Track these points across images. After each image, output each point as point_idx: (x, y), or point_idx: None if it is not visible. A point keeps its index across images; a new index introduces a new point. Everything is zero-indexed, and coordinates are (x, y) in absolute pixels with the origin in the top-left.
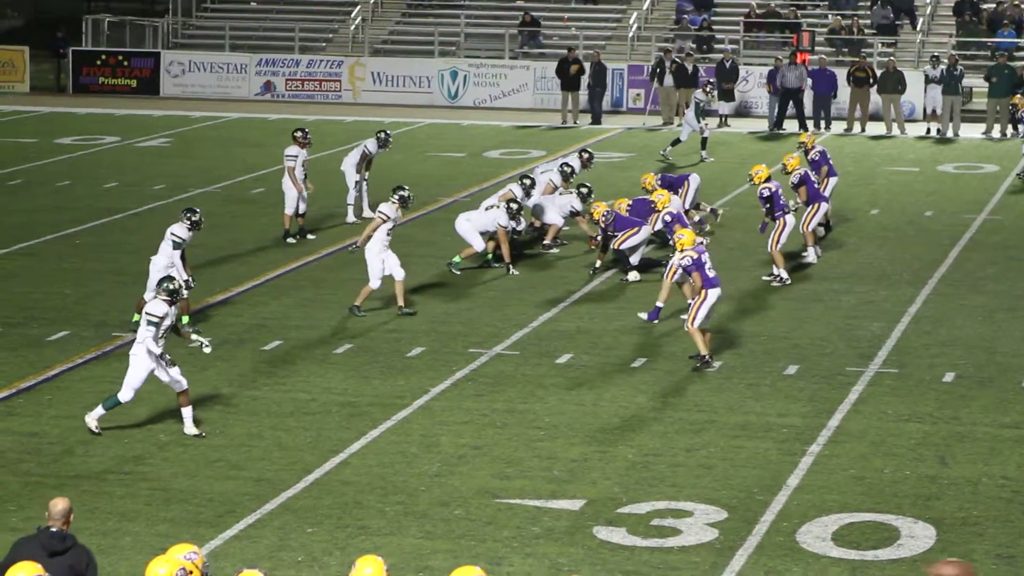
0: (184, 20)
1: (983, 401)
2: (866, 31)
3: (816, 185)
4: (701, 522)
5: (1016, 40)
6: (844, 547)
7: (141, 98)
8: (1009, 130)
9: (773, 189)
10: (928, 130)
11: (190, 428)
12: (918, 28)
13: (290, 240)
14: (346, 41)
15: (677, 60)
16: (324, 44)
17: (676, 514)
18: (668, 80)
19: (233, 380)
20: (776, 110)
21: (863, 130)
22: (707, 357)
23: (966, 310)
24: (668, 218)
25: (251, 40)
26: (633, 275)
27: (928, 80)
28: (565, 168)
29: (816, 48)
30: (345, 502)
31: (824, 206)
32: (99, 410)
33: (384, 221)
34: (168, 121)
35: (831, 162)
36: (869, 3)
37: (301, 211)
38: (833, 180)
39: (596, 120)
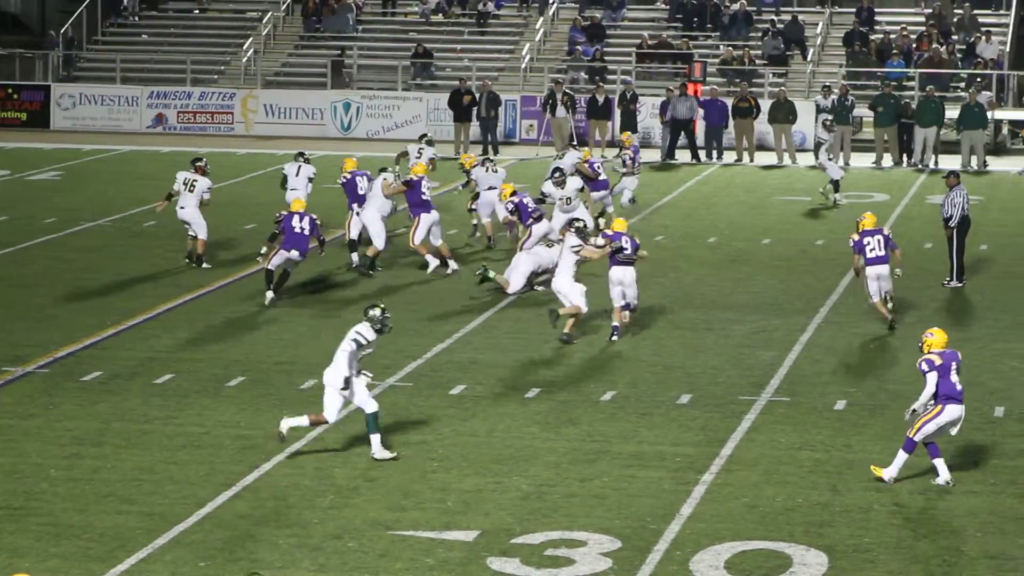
0: (75, 53)
1: (874, 428)
2: (757, 62)
3: (423, 196)
4: (595, 552)
5: (905, 70)
6: (737, 575)
7: (31, 131)
8: (906, 159)
9: (516, 201)
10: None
11: (380, 452)
12: (809, 59)
13: (205, 265)
14: (238, 73)
15: (568, 93)
16: (216, 76)
17: (570, 544)
18: (560, 111)
19: (124, 414)
20: (668, 141)
21: (751, 160)
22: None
23: (857, 338)
24: (510, 206)
25: (142, 72)
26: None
27: (819, 110)
28: (557, 176)
29: (708, 79)
30: (238, 535)
31: (427, 217)
32: (375, 439)
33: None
34: (59, 154)
35: (639, 162)
36: (760, 34)
37: (202, 236)
38: (628, 180)
39: (494, 150)
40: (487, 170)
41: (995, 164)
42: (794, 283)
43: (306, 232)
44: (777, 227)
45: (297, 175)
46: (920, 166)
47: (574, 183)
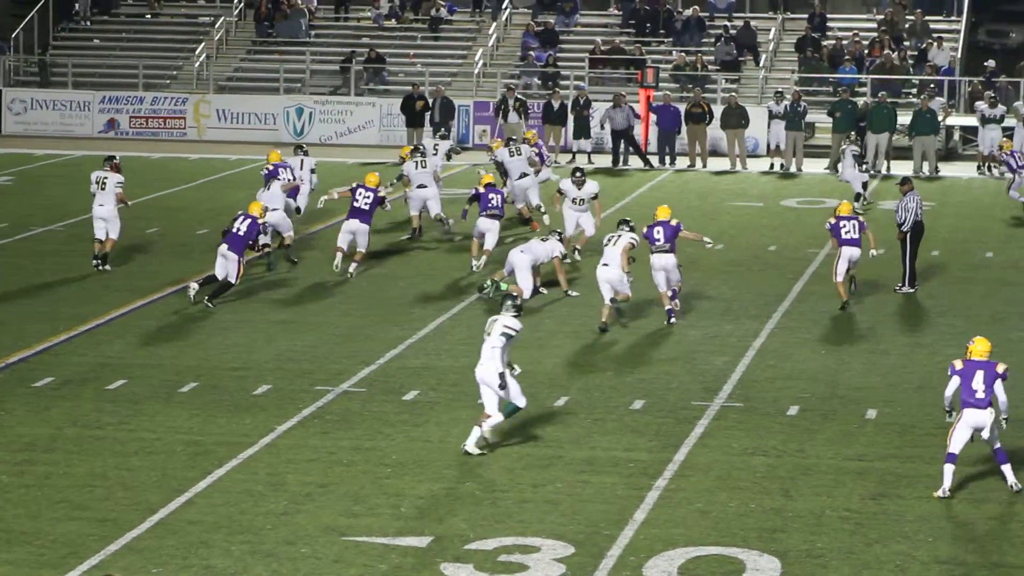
0: (26, 57)
1: (827, 434)
2: (710, 67)
3: (355, 203)
4: (548, 558)
5: (857, 76)
6: None
7: None
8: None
9: (478, 191)
10: (771, 165)
11: (479, 438)
12: (761, 64)
13: (107, 268)
14: (191, 78)
15: (520, 98)
16: (168, 81)
17: (523, 550)
18: (512, 117)
19: (77, 419)
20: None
21: (704, 165)
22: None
23: (809, 343)
24: (478, 189)
25: (94, 77)
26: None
27: (771, 115)
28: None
29: (660, 84)
30: (190, 542)
31: (348, 224)
32: (498, 419)
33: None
34: (10, 159)
35: (546, 160)
36: (713, 40)
37: (113, 236)
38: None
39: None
40: (416, 166)
41: (947, 170)
42: (747, 289)
43: (241, 233)
44: (730, 232)
45: (300, 168)
46: (872, 172)
47: (591, 187)
